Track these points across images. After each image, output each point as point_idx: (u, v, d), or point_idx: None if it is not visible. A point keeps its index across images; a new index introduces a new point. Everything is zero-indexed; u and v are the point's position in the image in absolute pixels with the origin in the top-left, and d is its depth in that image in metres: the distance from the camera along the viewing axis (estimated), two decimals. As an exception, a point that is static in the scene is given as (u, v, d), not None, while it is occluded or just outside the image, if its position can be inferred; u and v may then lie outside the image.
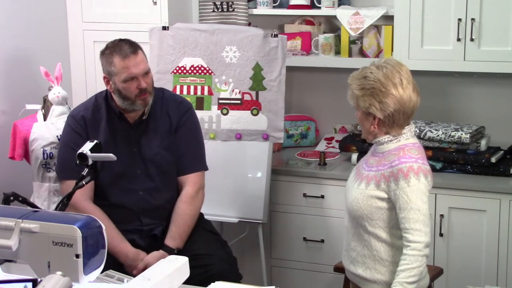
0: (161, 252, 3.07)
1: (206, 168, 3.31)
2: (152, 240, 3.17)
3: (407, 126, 2.71)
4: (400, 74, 2.65)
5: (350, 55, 4.10)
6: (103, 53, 3.10)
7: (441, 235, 3.63)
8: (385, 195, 2.65)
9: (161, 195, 3.18)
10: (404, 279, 2.53)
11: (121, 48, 3.04)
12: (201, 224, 3.27)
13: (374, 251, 2.70)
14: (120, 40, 3.10)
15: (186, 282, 2.67)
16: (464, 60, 3.69)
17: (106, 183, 3.13)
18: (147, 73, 3.09)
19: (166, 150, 3.18)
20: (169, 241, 3.11)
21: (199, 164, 3.27)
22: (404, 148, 2.65)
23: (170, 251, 3.05)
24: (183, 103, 3.29)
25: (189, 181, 3.21)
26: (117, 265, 2.98)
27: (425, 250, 2.56)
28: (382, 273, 2.70)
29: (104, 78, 3.11)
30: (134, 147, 3.16)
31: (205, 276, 2.88)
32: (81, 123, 3.15)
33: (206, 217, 3.40)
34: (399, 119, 2.66)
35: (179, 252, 3.09)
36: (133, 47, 3.06)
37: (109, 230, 2.98)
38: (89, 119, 3.15)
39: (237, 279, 3.15)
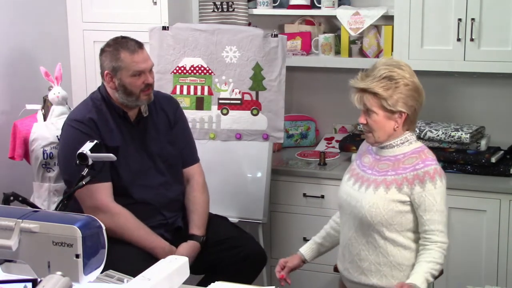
0: (190, 242, 3.18)
1: (199, 159, 3.47)
2: (175, 233, 3.24)
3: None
4: (408, 66, 2.70)
5: (350, 55, 4.10)
6: (104, 50, 3.12)
7: (441, 235, 3.64)
8: (407, 198, 2.63)
9: (173, 188, 3.26)
10: (431, 270, 2.51)
11: (127, 44, 3.09)
12: (211, 212, 3.39)
13: (390, 257, 2.66)
14: (123, 37, 3.15)
15: (217, 268, 2.98)
16: (464, 60, 3.69)
17: (127, 181, 3.15)
18: (151, 69, 3.16)
19: (170, 144, 3.27)
20: (195, 230, 3.22)
21: (197, 155, 3.42)
22: (423, 150, 2.67)
23: (199, 240, 3.19)
24: (172, 99, 3.43)
25: (195, 172, 3.36)
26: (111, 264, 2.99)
27: (446, 252, 2.58)
28: (399, 278, 2.65)
29: (107, 74, 3.11)
30: (139, 145, 3.20)
31: (237, 258, 3.13)
32: (91, 126, 3.10)
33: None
34: (418, 111, 2.70)
35: (206, 239, 3.23)
36: (139, 43, 3.13)
37: (142, 228, 3.11)
38: (97, 121, 3.12)
39: (264, 256, 3.37)
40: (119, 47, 3.08)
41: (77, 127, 3.10)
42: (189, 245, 3.17)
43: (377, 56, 4.01)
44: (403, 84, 2.63)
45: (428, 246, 2.55)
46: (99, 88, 3.23)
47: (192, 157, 3.39)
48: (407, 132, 2.70)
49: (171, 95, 3.55)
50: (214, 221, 3.35)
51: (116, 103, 3.16)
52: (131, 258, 2.96)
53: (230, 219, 3.85)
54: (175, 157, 3.29)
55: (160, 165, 3.23)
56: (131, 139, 3.19)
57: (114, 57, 3.07)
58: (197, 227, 3.24)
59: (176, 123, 3.32)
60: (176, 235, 3.24)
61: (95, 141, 2.74)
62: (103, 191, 3.05)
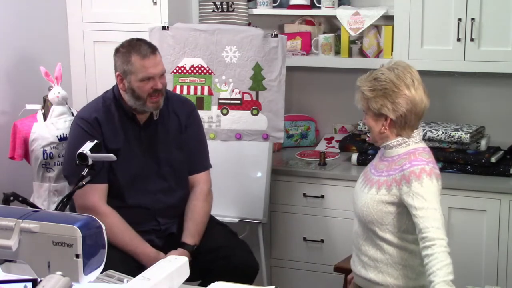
0: (180, 250, 3.11)
1: (211, 166, 3.39)
2: (168, 239, 3.20)
3: (415, 130, 2.68)
4: (412, 75, 2.64)
5: (350, 55, 4.10)
6: (118, 50, 3.10)
7: (441, 235, 3.63)
8: (395, 200, 2.61)
9: (174, 195, 3.22)
10: (446, 277, 2.42)
11: (140, 48, 3.06)
12: (211, 218, 3.33)
13: (386, 255, 2.66)
14: (138, 39, 3.11)
15: (210, 275, 2.84)
16: (464, 60, 3.69)
17: (124, 184, 3.13)
18: (163, 74, 3.11)
19: (178, 149, 3.22)
20: (188, 238, 3.15)
21: (207, 162, 3.35)
22: (415, 152, 2.63)
23: (189, 248, 3.11)
24: (188, 102, 3.36)
25: (202, 179, 3.29)
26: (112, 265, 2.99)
27: (448, 248, 2.48)
28: (395, 277, 2.66)
29: (118, 76, 3.10)
30: (146, 148, 3.17)
31: (228, 267, 3.01)
32: (95, 125, 3.09)
33: (206, 217, 3.43)
34: (410, 120, 2.64)
35: (198, 247, 3.15)
36: (152, 48, 3.09)
37: (128, 232, 3.06)
38: (103, 121, 3.11)
39: (256, 266, 3.25)
40: (131, 49, 3.05)
41: (82, 125, 3.10)
42: (178, 253, 3.06)
43: (377, 56, 4.01)
44: (391, 89, 2.61)
45: (429, 250, 2.47)
46: (113, 87, 3.20)
47: (200, 164, 3.31)
48: (399, 137, 2.67)
49: (187, 97, 3.46)
50: (211, 228, 3.28)
51: (126, 104, 3.13)
52: (128, 262, 2.96)
53: (230, 219, 3.87)
54: (181, 162, 3.23)
55: (165, 170, 3.19)
56: (138, 142, 3.15)
57: (125, 60, 3.05)
58: (190, 235, 3.16)
59: (188, 127, 3.25)
60: (169, 241, 3.18)
61: (95, 141, 2.74)
62: (96, 192, 3.02)
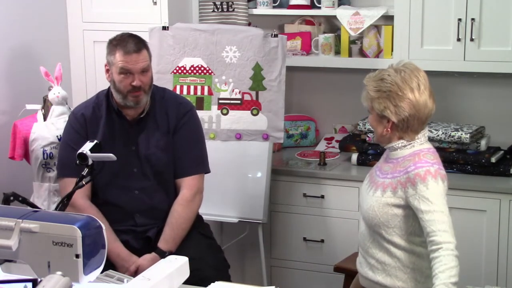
0: (153, 254, 3.05)
1: (206, 171, 3.27)
2: (145, 242, 3.14)
3: (421, 131, 2.66)
4: (418, 79, 2.62)
5: (350, 55, 4.10)
6: (110, 42, 3.11)
7: (441, 235, 3.63)
8: (402, 202, 2.60)
9: (156, 195, 3.16)
10: (447, 280, 2.41)
11: (126, 44, 3.05)
12: (196, 227, 3.22)
13: (394, 258, 2.64)
14: (130, 35, 3.10)
15: None
16: (464, 60, 3.69)
17: (102, 181, 3.12)
18: (145, 71, 3.07)
19: (161, 150, 3.16)
20: (162, 244, 3.09)
21: (198, 167, 3.23)
22: (420, 153, 2.61)
23: (162, 254, 3.02)
24: (184, 104, 3.26)
25: (186, 184, 3.18)
26: (111, 265, 2.97)
27: (456, 251, 2.47)
28: (403, 280, 2.64)
29: (105, 65, 3.13)
30: (132, 145, 3.15)
31: (192, 280, 2.79)
32: (81, 122, 3.15)
33: (206, 217, 3.40)
34: (413, 124, 2.62)
35: (173, 254, 3.01)
36: (138, 46, 3.06)
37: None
38: (89, 117, 3.16)
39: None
40: (118, 44, 3.06)
41: (70, 120, 3.22)
42: (150, 257, 3.03)
43: (377, 56, 4.01)
44: (395, 92, 2.59)
45: (435, 253, 2.47)
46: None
47: (188, 168, 3.19)
48: (402, 139, 2.66)
49: (187, 99, 3.37)
50: (191, 237, 3.16)
51: (114, 101, 3.14)
52: None
53: (230, 219, 3.87)
54: (165, 164, 3.16)
55: (147, 170, 3.14)
56: (124, 139, 3.14)
57: (111, 51, 3.08)
58: (165, 241, 3.09)
59: (178, 130, 3.18)
60: (147, 244, 3.12)
61: (95, 141, 2.75)
62: (72, 186, 2.86)
